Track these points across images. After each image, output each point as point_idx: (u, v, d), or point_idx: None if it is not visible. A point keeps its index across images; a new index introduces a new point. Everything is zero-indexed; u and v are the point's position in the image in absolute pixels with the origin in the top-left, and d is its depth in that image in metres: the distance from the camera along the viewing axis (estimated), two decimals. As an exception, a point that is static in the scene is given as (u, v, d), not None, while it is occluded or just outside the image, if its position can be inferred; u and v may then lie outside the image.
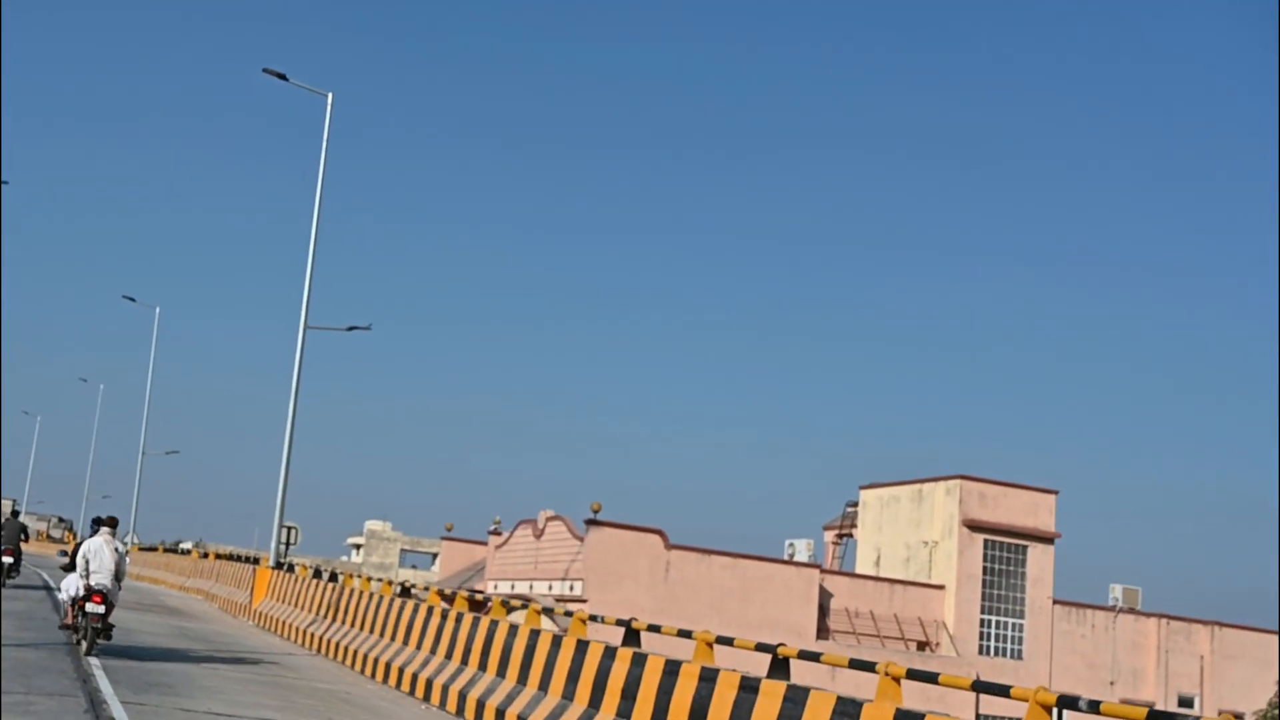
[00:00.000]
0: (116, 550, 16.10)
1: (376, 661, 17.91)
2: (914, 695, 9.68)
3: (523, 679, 13.61)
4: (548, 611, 16.09)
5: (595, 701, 12.01)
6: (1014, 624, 49.62)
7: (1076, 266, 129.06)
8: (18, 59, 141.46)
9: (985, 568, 49.41)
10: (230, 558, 38.25)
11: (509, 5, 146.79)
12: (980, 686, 8.76)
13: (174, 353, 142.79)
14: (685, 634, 11.85)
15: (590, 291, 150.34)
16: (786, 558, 50.54)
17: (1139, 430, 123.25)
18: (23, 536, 28.82)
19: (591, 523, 43.42)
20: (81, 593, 15.74)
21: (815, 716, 9.24)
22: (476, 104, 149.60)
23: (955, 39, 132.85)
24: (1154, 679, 51.58)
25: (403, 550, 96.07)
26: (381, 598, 19.21)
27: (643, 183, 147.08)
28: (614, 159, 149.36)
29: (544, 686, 13.11)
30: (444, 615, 16.48)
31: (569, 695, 12.54)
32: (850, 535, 56.86)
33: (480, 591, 34.30)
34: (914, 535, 51.04)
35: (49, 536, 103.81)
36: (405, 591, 19.87)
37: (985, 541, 49.51)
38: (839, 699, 9.12)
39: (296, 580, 24.94)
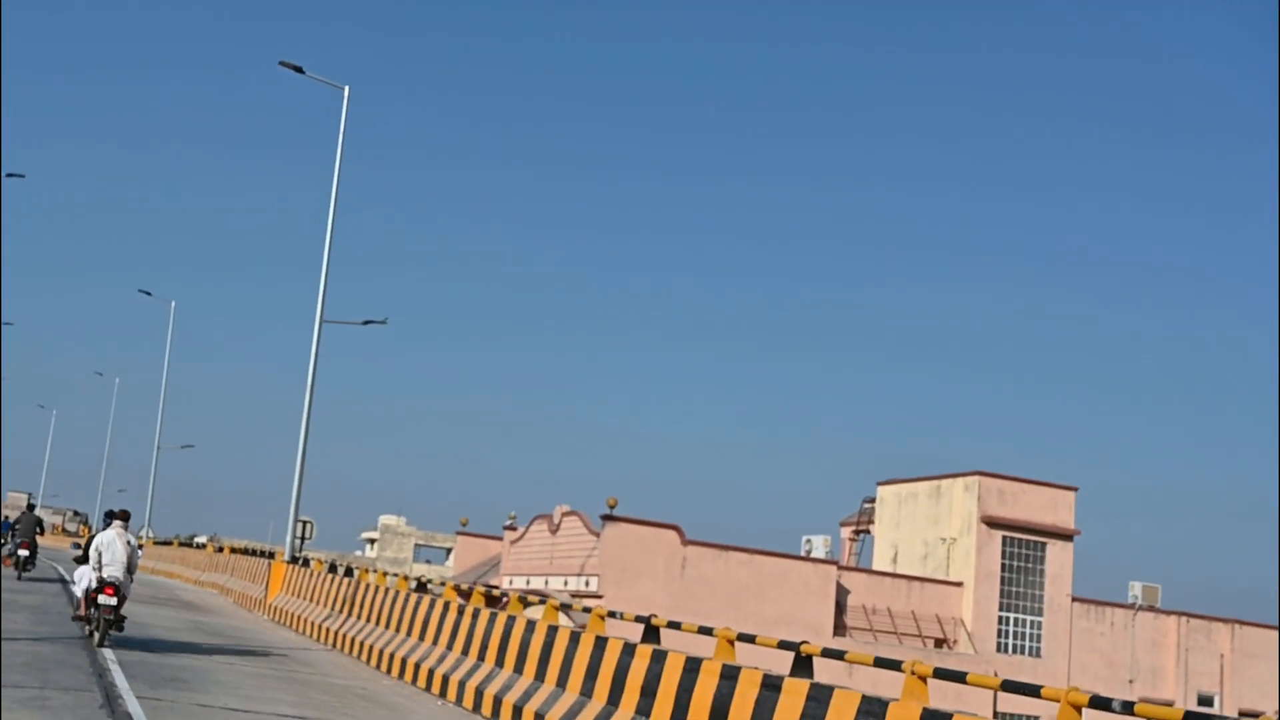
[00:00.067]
0: (129, 543, 16.26)
1: (392, 657, 17.78)
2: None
3: (540, 675, 13.47)
4: (565, 608, 15.95)
5: (614, 699, 11.86)
6: (1032, 621, 49.31)
7: (1096, 264, 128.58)
8: (35, 55, 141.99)
9: (1004, 565, 49.10)
10: (245, 552, 38.18)
11: (519, 4, 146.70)
12: (1010, 686, 8.56)
13: (189, 347, 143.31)
14: (706, 631, 11.69)
15: (605, 288, 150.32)
16: (803, 554, 50.31)
17: (1159, 427, 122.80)
18: (38, 530, 28.87)
19: (608, 518, 43.26)
20: (94, 585, 15.95)
21: (839, 716, 9.06)
22: (490, 101, 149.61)
23: (958, 39, 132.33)
24: (1174, 677, 51.22)
25: (417, 545, 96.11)
26: (398, 593, 19.09)
27: (663, 180, 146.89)
28: (641, 155, 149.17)
29: (562, 683, 12.96)
30: (460, 611, 16.35)
31: (587, 692, 12.38)
32: (867, 531, 56.59)
33: (496, 587, 34.21)
34: (932, 532, 50.76)
35: (64, 530, 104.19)
36: (421, 587, 19.75)
37: (1004, 538, 49.19)
38: (864, 698, 8.94)
39: (312, 575, 24.83)
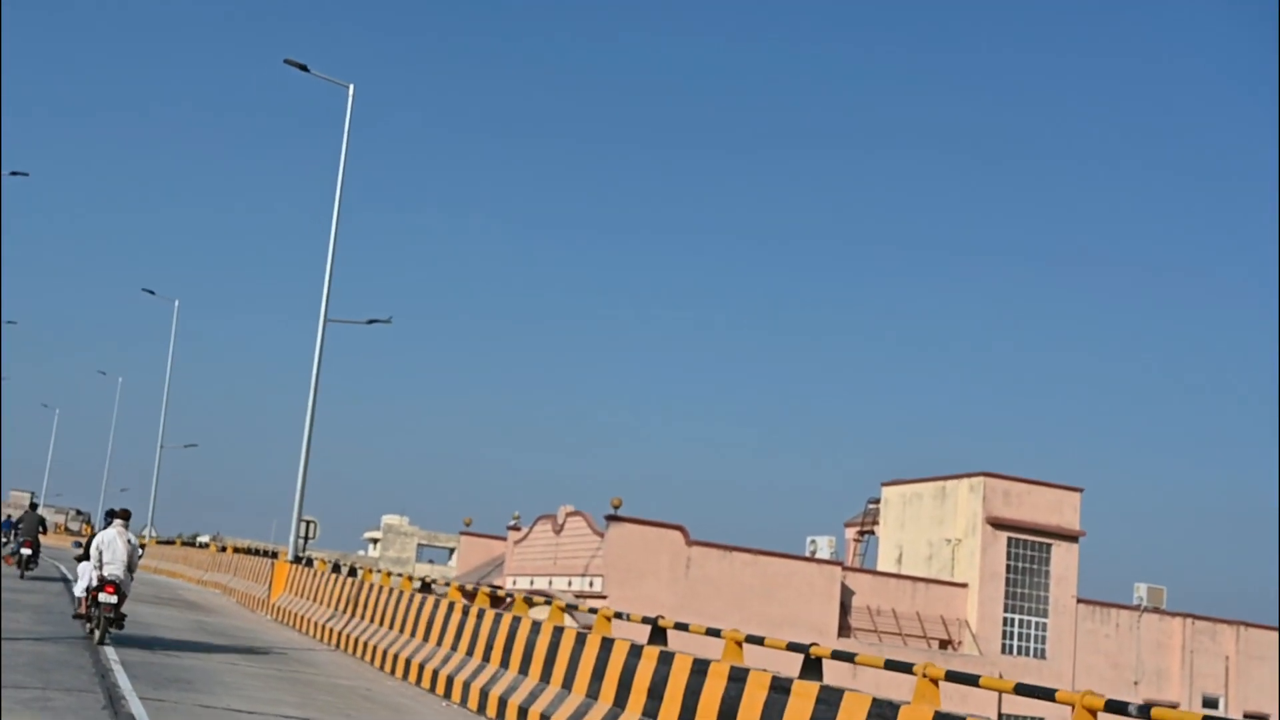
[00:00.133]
0: (129, 542, 16.41)
1: (396, 658, 17.69)
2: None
3: (546, 676, 13.37)
4: (570, 608, 15.85)
5: (621, 700, 11.76)
6: (1037, 623, 49.17)
7: (1101, 264, 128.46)
8: (37, 53, 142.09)
9: (1009, 566, 48.96)
10: (248, 551, 38.12)
11: (522, 4, 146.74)
12: (1024, 689, 8.45)
13: (193, 346, 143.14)
14: (714, 633, 11.58)
15: (608, 287, 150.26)
16: (808, 555, 50.18)
17: (1164, 428, 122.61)
18: (41, 529, 28.79)
19: (612, 518, 43.17)
20: (95, 583, 16.07)
21: (850, 719, 8.95)
22: (492, 101, 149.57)
23: (958, 39, 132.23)
24: (1179, 679, 51.07)
25: (420, 545, 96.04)
26: (401, 593, 18.99)
27: (666, 180, 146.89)
28: (642, 155, 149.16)
29: (568, 684, 12.86)
30: (465, 611, 16.25)
31: (593, 694, 12.28)
32: (872, 532, 56.44)
33: (500, 587, 34.10)
34: (937, 533, 50.63)
35: (67, 529, 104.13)
36: (426, 587, 19.66)
37: (1009, 539, 49.05)
38: (874, 701, 8.84)
39: (315, 575, 24.74)
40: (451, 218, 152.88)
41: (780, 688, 9.75)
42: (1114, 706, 7.64)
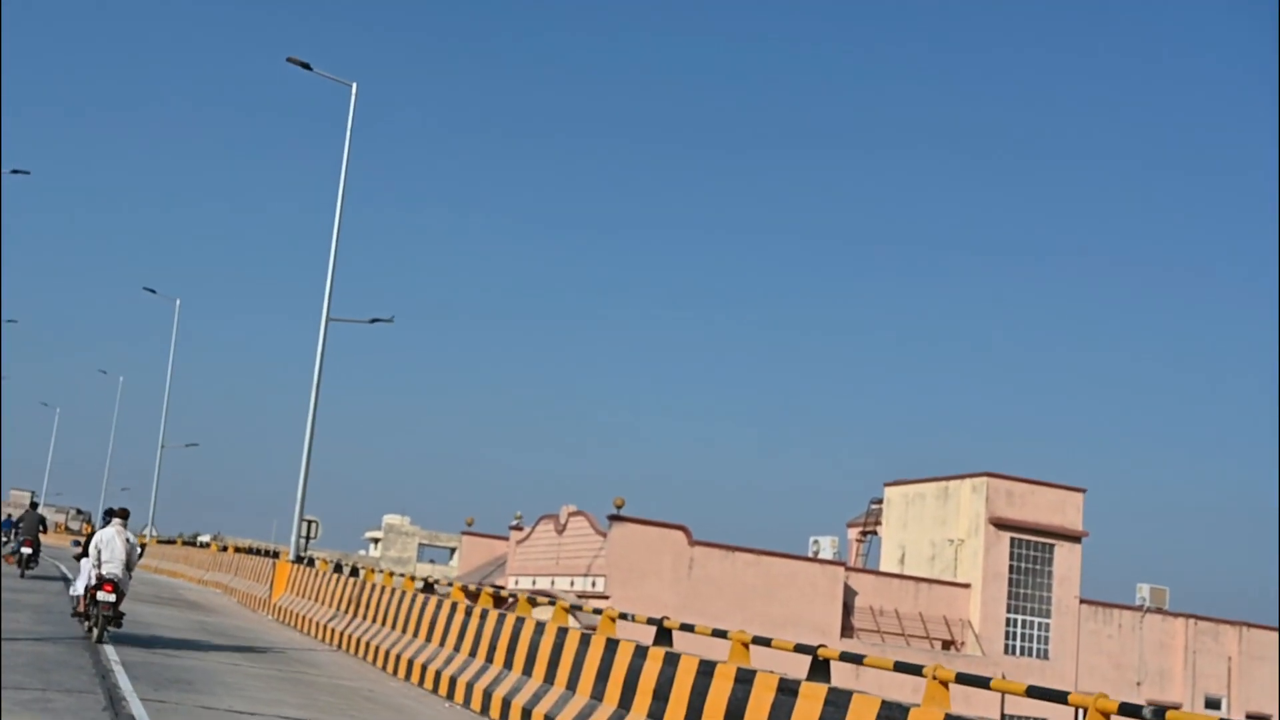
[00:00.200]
0: (128, 540, 16.52)
1: (399, 658, 17.59)
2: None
3: (550, 678, 13.27)
4: (574, 609, 15.74)
5: (626, 702, 11.65)
6: (1040, 623, 49.06)
7: (1106, 264, 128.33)
8: (38, 50, 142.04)
9: (1011, 566, 48.86)
10: (249, 551, 38.04)
11: (525, 3, 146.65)
12: (1036, 692, 8.34)
13: (194, 345, 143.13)
14: (720, 634, 11.47)
15: (610, 286, 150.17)
16: (811, 555, 50.08)
17: (1168, 429, 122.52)
18: (41, 528, 28.72)
19: (615, 518, 43.08)
20: (93, 581, 16.15)
21: (859, 721, 8.85)
22: (493, 100, 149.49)
23: (958, 39, 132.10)
24: (1181, 680, 50.96)
25: (421, 545, 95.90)
26: (404, 593, 18.89)
27: (669, 180, 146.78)
28: (645, 154, 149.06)
29: (572, 686, 12.76)
30: (468, 612, 16.15)
31: (598, 695, 12.17)
32: (875, 532, 56.33)
33: (502, 587, 33.98)
34: (939, 533, 50.52)
35: (67, 528, 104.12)
36: (428, 587, 19.56)
37: (1011, 540, 48.94)
38: (884, 703, 8.72)
39: (317, 575, 24.65)
40: (453, 217, 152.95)
41: (788, 690, 9.64)
42: (1127, 709, 7.53)
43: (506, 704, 13.64)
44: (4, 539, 31.05)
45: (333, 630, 21.36)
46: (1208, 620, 52.28)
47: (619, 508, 42.96)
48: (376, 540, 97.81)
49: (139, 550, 17.12)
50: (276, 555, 33.56)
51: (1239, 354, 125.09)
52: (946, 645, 47.63)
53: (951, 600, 48.39)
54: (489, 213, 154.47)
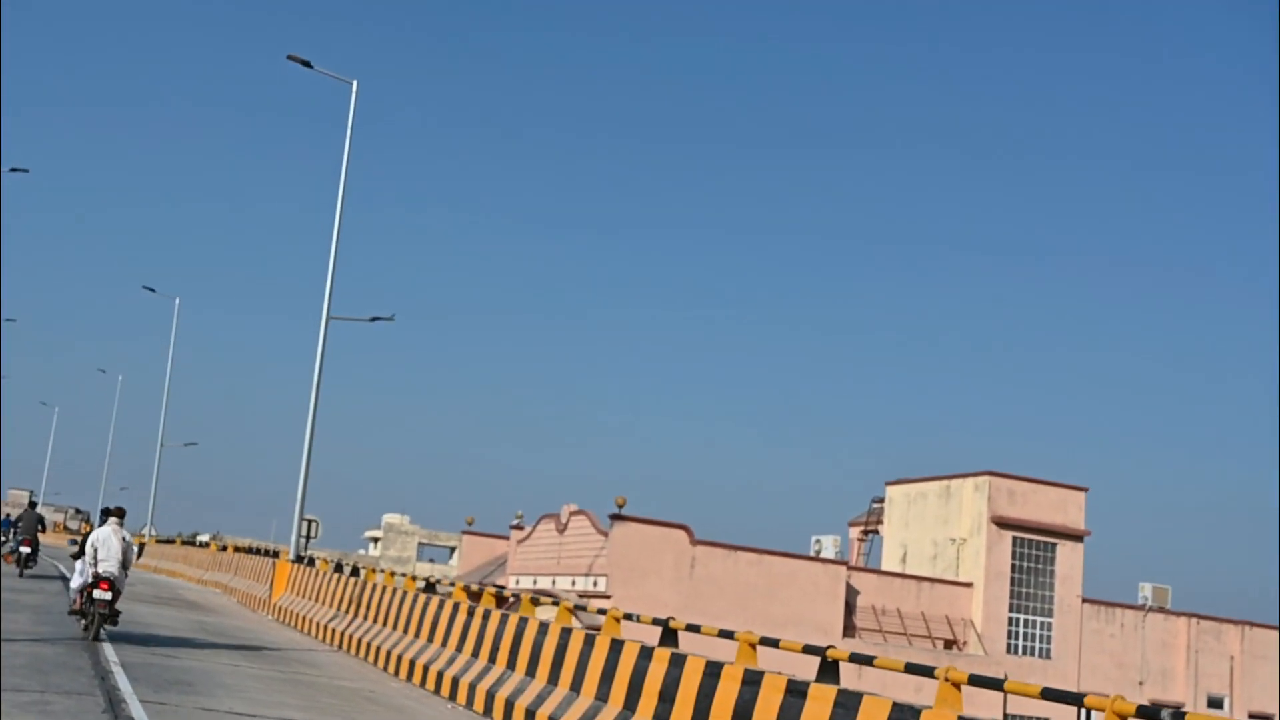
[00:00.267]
0: (124, 539, 16.62)
1: (400, 659, 17.46)
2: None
3: (554, 679, 13.13)
4: (577, 609, 15.60)
5: (631, 703, 11.51)
6: (1042, 623, 48.93)
7: (1108, 263, 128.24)
8: (38, 48, 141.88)
9: (1014, 565, 48.73)
10: (249, 550, 37.90)
11: (526, 1, 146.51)
12: (1050, 694, 8.20)
13: (193, 344, 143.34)
14: (727, 634, 11.33)
15: (611, 285, 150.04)
16: (813, 554, 49.94)
17: (1170, 428, 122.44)
18: (40, 527, 28.61)
19: (616, 518, 42.94)
20: (90, 579, 16.26)
21: (868, 724, 8.71)
22: (494, 99, 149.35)
23: (958, 38, 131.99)
24: (1184, 679, 50.83)
25: (420, 544, 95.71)
26: (405, 593, 18.76)
27: (672, 179, 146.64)
28: (646, 154, 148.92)
29: (576, 687, 12.62)
30: (470, 612, 16.02)
31: (603, 696, 12.04)
32: (876, 532, 56.21)
33: (503, 587, 33.84)
34: (941, 532, 50.39)
35: (65, 528, 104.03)
36: (430, 587, 19.42)
37: (1014, 539, 48.81)
38: (895, 705, 8.59)
39: (317, 574, 24.51)
40: (454, 215, 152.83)
41: (796, 691, 9.51)
42: (1145, 712, 7.40)
43: (510, 705, 13.50)
44: (3, 538, 30.92)
45: (333, 630, 21.23)
46: (1210, 619, 52.16)
47: (620, 507, 42.81)
48: (376, 540, 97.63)
49: (135, 549, 17.12)
50: (276, 555, 33.42)
51: (1239, 354, 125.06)
52: (949, 645, 47.50)
53: (954, 599, 48.26)
54: (490, 212, 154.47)
